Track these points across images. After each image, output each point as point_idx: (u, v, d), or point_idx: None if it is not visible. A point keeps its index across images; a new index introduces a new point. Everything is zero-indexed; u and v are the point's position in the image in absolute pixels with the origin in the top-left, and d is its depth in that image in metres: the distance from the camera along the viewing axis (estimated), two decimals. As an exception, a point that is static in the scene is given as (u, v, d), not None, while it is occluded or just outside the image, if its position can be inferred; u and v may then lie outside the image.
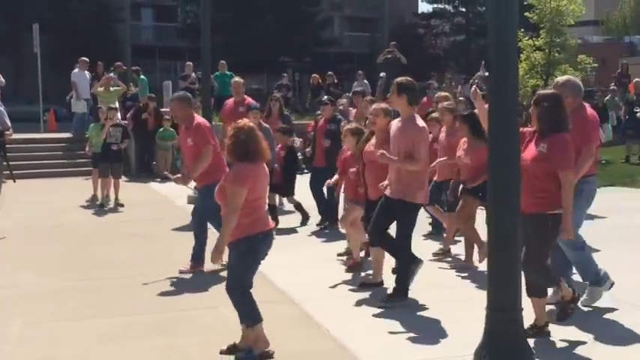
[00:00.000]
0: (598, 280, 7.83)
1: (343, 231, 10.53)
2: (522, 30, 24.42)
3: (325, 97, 14.97)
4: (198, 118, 10.04)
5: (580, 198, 7.31)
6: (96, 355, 6.81)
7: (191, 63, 25.49)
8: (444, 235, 10.78)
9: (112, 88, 21.30)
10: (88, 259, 10.55)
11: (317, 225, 12.64)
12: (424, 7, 68.66)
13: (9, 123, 13.06)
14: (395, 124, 8.31)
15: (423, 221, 10.59)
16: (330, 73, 28.81)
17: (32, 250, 11.28)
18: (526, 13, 25.03)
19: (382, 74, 25.80)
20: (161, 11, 59.04)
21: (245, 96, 14.38)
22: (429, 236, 11.57)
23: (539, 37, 24.80)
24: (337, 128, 12.20)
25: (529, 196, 6.47)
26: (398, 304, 7.95)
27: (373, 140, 8.78)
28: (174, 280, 9.44)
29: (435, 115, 11.43)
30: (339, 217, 10.52)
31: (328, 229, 12.29)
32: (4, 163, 13.45)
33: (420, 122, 8.17)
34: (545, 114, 6.64)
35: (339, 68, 36.56)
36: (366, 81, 27.16)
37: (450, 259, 10.25)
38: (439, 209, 10.78)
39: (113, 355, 6.78)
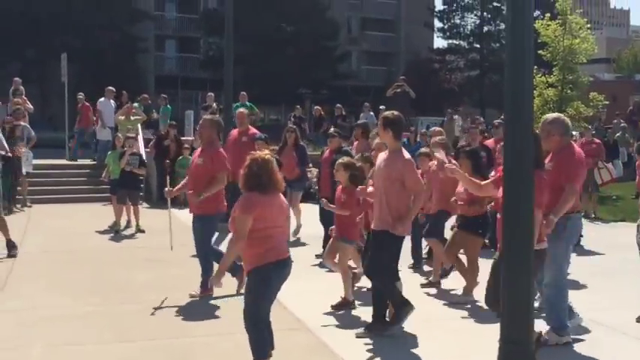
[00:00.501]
0: (560, 327, 7.50)
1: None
2: (535, 67, 24.43)
3: (332, 129, 14.77)
4: (220, 147, 10.08)
5: (563, 234, 7.22)
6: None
7: (212, 94, 25.72)
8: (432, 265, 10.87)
9: (132, 117, 21.47)
10: (107, 284, 10.56)
11: (316, 256, 12.34)
12: (439, 43, 68.94)
13: (7, 147, 13.08)
14: (381, 157, 8.28)
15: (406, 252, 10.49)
16: (338, 105, 28.92)
17: (54, 273, 11.29)
18: (539, 51, 25.05)
19: (382, 107, 25.96)
20: (184, 43, 59.53)
21: (249, 126, 14.20)
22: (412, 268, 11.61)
23: (551, 75, 24.80)
24: None
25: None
26: (389, 333, 7.92)
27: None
28: (193, 305, 9.44)
29: (424, 150, 11.36)
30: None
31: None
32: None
33: (406, 154, 8.08)
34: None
35: (354, 100, 36.67)
36: (372, 113, 27.24)
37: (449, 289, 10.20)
38: (439, 244, 10.57)
39: (131, 379, 6.78)
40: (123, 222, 15.55)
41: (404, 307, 8.03)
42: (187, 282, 10.70)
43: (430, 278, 10.57)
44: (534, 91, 25.46)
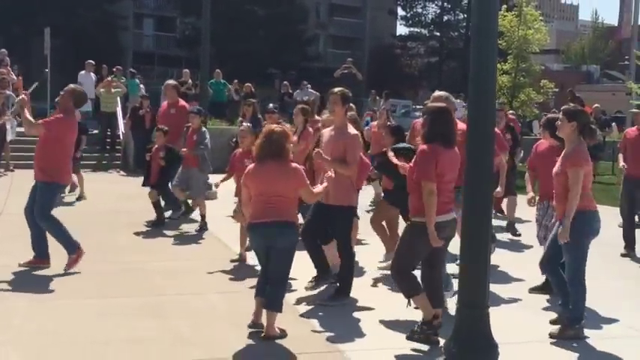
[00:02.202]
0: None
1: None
2: (491, 55, 24.55)
3: (270, 105, 13.82)
4: (68, 115, 9.17)
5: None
6: (94, 332, 6.79)
7: (188, 70, 25.52)
8: None
9: (113, 90, 21.27)
10: (88, 245, 10.37)
11: None
12: (402, 30, 69.03)
13: None
14: (327, 132, 8.05)
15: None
16: (285, 82, 28.65)
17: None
18: (496, 40, 25.17)
19: (310, 87, 26.22)
20: (161, 21, 59.21)
21: (179, 99, 13.58)
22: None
23: (506, 62, 24.94)
24: None
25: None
26: (339, 304, 7.80)
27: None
28: (168, 267, 9.45)
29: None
30: None
31: None
32: None
33: (353, 130, 7.95)
34: (424, 125, 6.53)
35: (321, 82, 36.61)
36: (311, 90, 26.77)
37: None
38: None
39: (110, 333, 6.77)
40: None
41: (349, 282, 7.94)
42: (165, 245, 10.78)
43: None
44: (489, 78, 25.74)
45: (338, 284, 8.02)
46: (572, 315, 6.91)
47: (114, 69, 24.26)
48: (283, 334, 6.66)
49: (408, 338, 6.47)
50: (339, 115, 7.96)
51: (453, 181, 6.46)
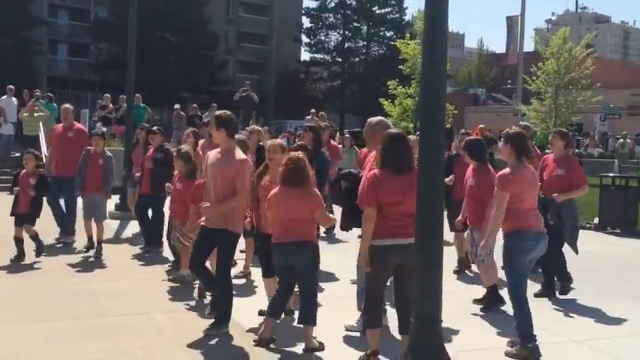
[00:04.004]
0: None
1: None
2: (397, 80, 24.98)
3: (155, 127, 12.57)
4: None
5: None
6: (44, 356, 6.44)
7: (109, 95, 24.89)
8: None
9: (35, 114, 20.59)
10: (22, 267, 10.01)
11: (141, 248, 11.47)
12: (306, 56, 69.47)
13: None
14: (213, 154, 7.24)
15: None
16: (194, 105, 27.63)
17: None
18: (400, 66, 25.57)
19: (214, 105, 26.07)
20: (75, 47, 58.06)
21: (74, 122, 12.91)
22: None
23: (410, 87, 25.31)
24: (165, 157, 11.16)
25: None
26: (221, 333, 7.12)
27: (268, 175, 7.57)
28: (109, 287, 9.05)
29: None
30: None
31: (149, 253, 11.21)
32: None
33: (241, 154, 7.28)
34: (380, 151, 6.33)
35: (230, 104, 36.32)
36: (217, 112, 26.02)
37: None
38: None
39: (61, 357, 6.42)
40: None
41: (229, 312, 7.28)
42: (103, 265, 10.45)
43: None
44: (395, 101, 26.08)
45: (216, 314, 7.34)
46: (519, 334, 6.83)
47: (35, 93, 23.43)
48: (322, 347, 6.63)
49: None
50: (219, 139, 7.28)
51: (404, 204, 6.05)
